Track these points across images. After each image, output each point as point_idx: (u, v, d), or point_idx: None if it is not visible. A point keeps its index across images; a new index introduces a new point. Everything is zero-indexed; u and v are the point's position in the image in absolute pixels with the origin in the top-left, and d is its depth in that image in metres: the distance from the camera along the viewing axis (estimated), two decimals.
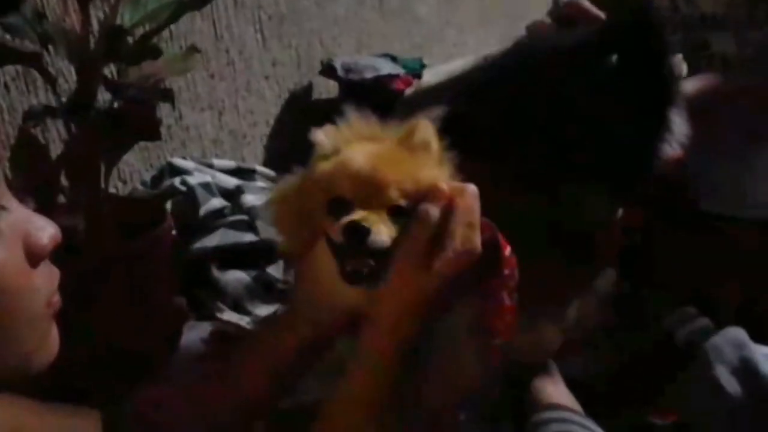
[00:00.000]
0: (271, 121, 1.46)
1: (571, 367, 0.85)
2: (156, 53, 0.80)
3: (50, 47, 0.85)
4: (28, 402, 0.63)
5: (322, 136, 0.61)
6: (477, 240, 0.55)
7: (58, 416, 0.66)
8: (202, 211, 1.13)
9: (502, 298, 0.57)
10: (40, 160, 0.89)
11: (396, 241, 0.54)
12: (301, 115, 1.49)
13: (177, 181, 1.17)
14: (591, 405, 0.78)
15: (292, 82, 1.50)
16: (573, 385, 0.81)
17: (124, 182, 1.21)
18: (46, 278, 0.46)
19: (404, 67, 1.46)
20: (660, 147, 0.66)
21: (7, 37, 0.83)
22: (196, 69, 1.28)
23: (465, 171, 0.60)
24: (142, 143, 1.22)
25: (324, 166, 0.57)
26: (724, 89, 0.86)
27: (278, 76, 1.46)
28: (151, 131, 0.81)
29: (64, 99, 0.87)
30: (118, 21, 0.88)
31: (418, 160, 0.56)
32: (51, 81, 0.80)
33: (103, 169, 0.89)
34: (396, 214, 0.55)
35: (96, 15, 1.05)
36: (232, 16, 1.33)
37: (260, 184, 1.24)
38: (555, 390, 0.76)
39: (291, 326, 0.65)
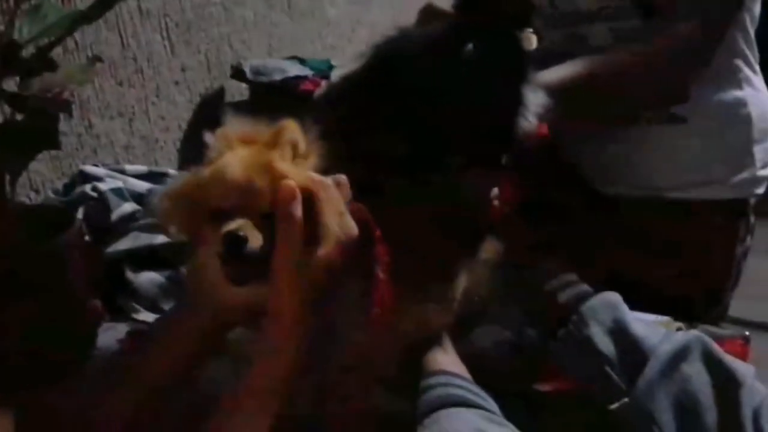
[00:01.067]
0: (184, 126, 1.50)
1: (471, 341, 0.91)
2: (52, 66, 0.83)
3: None
4: None
5: (211, 138, 0.66)
6: (350, 225, 0.61)
7: None
8: (114, 215, 1.16)
9: (377, 273, 0.63)
10: None
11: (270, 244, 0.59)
12: (213, 118, 1.53)
13: (88, 187, 1.19)
14: (489, 378, 0.84)
15: (203, 87, 1.53)
16: (473, 360, 0.87)
17: (36, 191, 1.23)
18: None
19: (312, 68, 1.51)
20: (516, 121, 0.73)
21: None
22: (104, 77, 1.31)
23: (344, 162, 0.66)
24: (53, 152, 1.24)
25: (203, 174, 0.62)
26: (596, 72, 0.93)
27: (188, 81, 1.49)
28: (51, 141, 0.84)
29: None
30: (16, 35, 0.91)
31: (284, 162, 0.61)
32: None
33: (8, 179, 0.92)
34: (269, 218, 0.59)
35: None
36: (138, 25, 1.36)
37: None
38: (444, 358, 0.82)
39: (188, 318, 0.69)
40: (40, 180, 1.23)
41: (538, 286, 0.92)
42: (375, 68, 0.74)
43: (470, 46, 0.70)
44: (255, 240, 0.58)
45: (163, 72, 1.43)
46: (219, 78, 1.57)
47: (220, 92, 1.58)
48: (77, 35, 1.24)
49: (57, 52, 1.20)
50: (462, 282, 0.85)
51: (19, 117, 0.86)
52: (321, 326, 0.64)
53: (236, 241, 0.58)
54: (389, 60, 0.73)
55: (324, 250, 0.60)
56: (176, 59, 1.46)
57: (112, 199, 1.18)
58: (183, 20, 1.46)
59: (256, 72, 1.47)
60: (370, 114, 0.73)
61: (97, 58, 1.10)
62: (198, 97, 1.52)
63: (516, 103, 0.72)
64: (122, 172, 1.28)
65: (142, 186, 1.25)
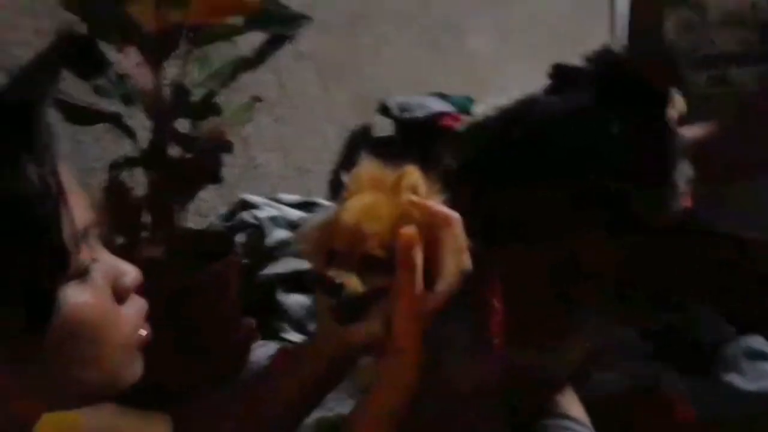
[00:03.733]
0: (334, 158, 1.60)
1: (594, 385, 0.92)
2: (217, 111, 0.94)
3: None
4: (115, 407, 0.77)
5: (347, 179, 0.72)
6: (467, 260, 0.64)
7: (138, 419, 0.79)
8: (269, 241, 1.27)
9: (494, 303, 0.66)
10: (126, 202, 1.05)
11: (374, 286, 0.64)
12: (360, 152, 1.62)
13: (248, 215, 1.32)
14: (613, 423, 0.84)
15: (352, 122, 1.63)
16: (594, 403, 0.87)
17: (204, 216, 1.37)
18: (133, 312, 0.57)
19: (453, 104, 1.57)
20: (667, 195, 0.72)
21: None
22: (263, 115, 1.44)
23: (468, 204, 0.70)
24: None
25: (331, 216, 0.67)
26: (721, 133, 0.92)
27: (339, 117, 1.60)
28: (214, 177, 0.96)
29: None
30: (187, 80, 1.04)
31: (400, 208, 0.66)
32: (131, 135, 0.95)
33: (177, 208, 1.05)
34: (372, 262, 0.64)
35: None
36: (293, 66, 1.48)
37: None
38: (564, 401, 0.84)
39: (318, 348, 0.74)
40: (206, 206, 1.37)
41: (676, 328, 0.91)
42: (515, 132, 0.77)
43: (616, 124, 0.71)
44: (354, 286, 0.63)
45: (316, 109, 1.54)
46: (368, 114, 1.66)
47: (368, 127, 1.67)
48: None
49: (222, 91, 1.34)
50: (582, 334, 0.85)
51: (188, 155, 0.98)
52: (436, 355, 0.68)
53: (334, 287, 0.63)
54: (532, 125, 0.76)
55: (442, 287, 0.63)
56: (328, 97, 1.57)
57: (268, 226, 1.29)
58: (335, 61, 1.57)
59: (401, 108, 1.55)
60: (507, 168, 0.76)
61: (257, 99, 1.22)
62: (347, 131, 1.62)
63: (664, 179, 0.72)
64: (278, 201, 1.40)
65: (296, 214, 1.35)
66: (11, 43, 1.05)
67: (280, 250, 1.27)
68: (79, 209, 0.53)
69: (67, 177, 0.53)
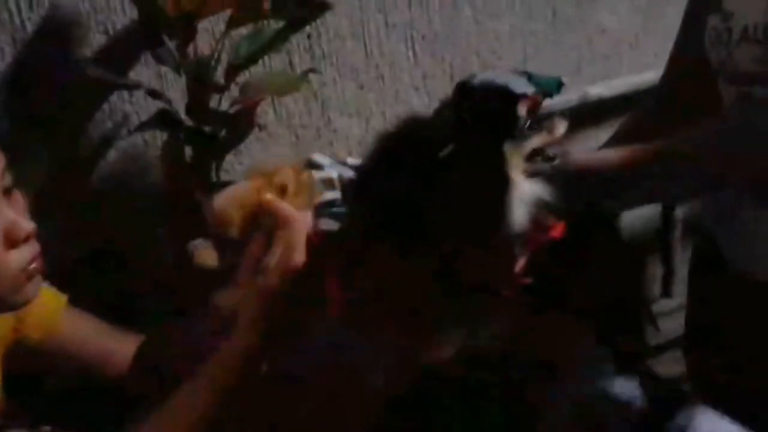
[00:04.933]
0: None
1: None
2: (219, 88, 1.09)
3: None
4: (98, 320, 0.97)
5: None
6: (298, 257, 0.76)
7: (113, 331, 0.97)
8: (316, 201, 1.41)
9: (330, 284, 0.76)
10: (176, 157, 1.24)
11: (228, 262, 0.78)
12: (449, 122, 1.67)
13: None
14: None
15: (443, 93, 1.68)
16: None
17: None
18: (24, 255, 0.73)
19: (538, 85, 1.55)
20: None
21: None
22: (346, 81, 1.55)
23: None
24: (293, 140, 1.54)
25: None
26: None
27: (429, 87, 1.66)
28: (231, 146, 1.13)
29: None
30: (233, 56, 1.19)
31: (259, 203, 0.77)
32: (165, 100, 1.14)
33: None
34: (229, 241, 0.77)
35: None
36: (383, 37, 1.57)
37: None
38: None
39: None
40: (282, 163, 1.53)
41: None
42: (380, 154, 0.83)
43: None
44: (199, 258, 0.81)
45: (404, 79, 1.62)
46: None
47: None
48: (324, 46, 1.49)
49: (305, 59, 1.47)
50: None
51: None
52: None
53: None
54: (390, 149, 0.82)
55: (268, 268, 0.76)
56: (418, 68, 1.63)
57: (320, 187, 1.43)
58: (430, 32, 1.62)
59: (481, 87, 1.57)
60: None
61: (311, 71, 1.34)
62: (437, 103, 1.67)
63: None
64: (345, 164, 1.52)
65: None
66: None
67: (324, 209, 1.40)
68: None
69: None
